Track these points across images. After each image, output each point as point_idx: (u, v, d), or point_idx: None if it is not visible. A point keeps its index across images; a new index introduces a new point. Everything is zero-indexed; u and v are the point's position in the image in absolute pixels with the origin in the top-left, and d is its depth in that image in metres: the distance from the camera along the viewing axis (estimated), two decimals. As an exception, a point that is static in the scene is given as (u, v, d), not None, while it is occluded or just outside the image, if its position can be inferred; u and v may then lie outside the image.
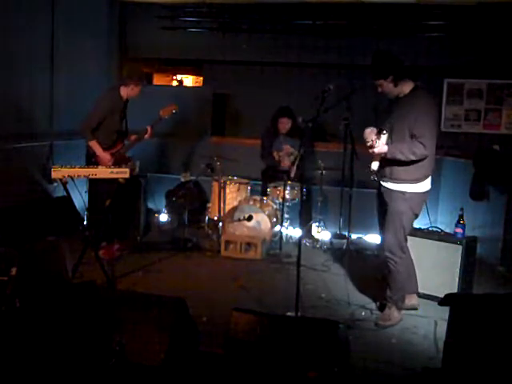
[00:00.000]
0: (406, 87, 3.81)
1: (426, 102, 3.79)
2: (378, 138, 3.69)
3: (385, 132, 3.66)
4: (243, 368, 2.81)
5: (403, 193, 3.82)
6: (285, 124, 6.23)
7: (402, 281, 3.97)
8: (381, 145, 3.72)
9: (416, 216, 3.97)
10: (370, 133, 3.85)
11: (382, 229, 4.04)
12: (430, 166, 3.83)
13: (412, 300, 4.15)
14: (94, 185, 5.12)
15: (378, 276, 4.46)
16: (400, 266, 3.92)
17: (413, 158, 3.68)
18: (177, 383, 2.81)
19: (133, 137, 5.27)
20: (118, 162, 5.06)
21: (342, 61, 7.31)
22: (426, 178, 3.85)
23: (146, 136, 5.24)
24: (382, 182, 3.97)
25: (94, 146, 5.01)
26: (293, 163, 6.15)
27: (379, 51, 3.99)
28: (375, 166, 3.87)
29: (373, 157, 3.87)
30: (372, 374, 3.27)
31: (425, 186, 3.87)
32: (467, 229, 4.44)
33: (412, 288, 4.10)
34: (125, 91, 5.17)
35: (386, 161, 3.81)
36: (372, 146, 3.73)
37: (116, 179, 4.35)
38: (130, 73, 5.27)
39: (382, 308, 4.16)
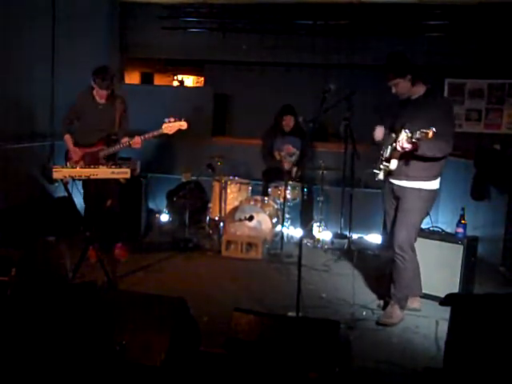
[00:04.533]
0: (420, 89, 3.84)
1: (445, 102, 3.90)
2: (399, 136, 3.64)
3: (407, 130, 3.57)
4: (244, 368, 2.81)
5: (419, 190, 3.84)
6: (289, 121, 6.24)
7: (408, 279, 3.98)
8: (404, 142, 3.62)
9: (427, 214, 4.00)
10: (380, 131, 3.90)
11: (391, 227, 4.03)
12: (443, 163, 3.86)
13: (415, 303, 4.15)
14: (95, 185, 5.07)
15: (386, 271, 4.41)
16: (408, 263, 3.93)
17: (439, 155, 3.71)
18: (178, 383, 2.81)
19: (119, 144, 4.83)
20: (89, 162, 4.76)
21: (341, 61, 7.32)
22: (440, 175, 3.89)
23: (135, 146, 4.80)
24: (394, 181, 3.96)
25: (67, 139, 4.92)
26: (294, 164, 6.17)
27: (394, 52, 3.98)
28: (394, 165, 3.80)
29: (391, 156, 3.81)
30: (373, 374, 3.26)
31: (437, 183, 3.91)
32: (468, 229, 4.43)
33: (416, 290, 4.10)
34: (95, 92, 4.83)
35: (407, 159, 3.77)
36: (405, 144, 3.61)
37: (117, 180, 4.35)
38: (92, 72, 4.77)
39: (384, 306, 4.16)
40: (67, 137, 4.93)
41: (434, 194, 3.92)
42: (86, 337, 2.72)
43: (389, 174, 3.91)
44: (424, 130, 3.45)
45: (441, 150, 3.69)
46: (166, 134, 4.81)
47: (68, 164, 4.78)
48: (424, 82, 3.86)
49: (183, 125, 4.78)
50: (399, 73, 3.79)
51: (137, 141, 4.77)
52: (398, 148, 3.65)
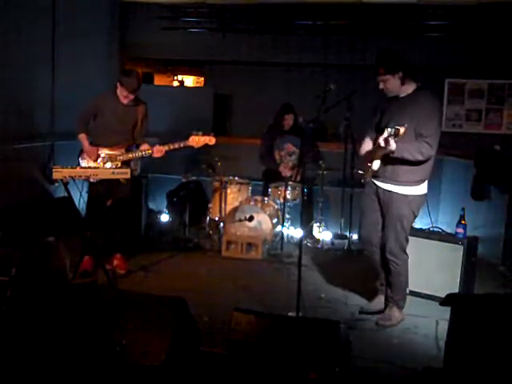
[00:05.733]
0: (410, 87, 3.77)
1: (432, 102, 3.76)
2: (381, 134, 3.61)
3: (389, 129, 3.50)
4: (244, 368, 2.81)
5: (406, 196, 3.78)
6: (289, 120, 6.24)
7: (403, 281, 3.97)
8: (381, 140, 3.59)
9: (415, 217, 3.95)
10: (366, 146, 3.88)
11: (382, 228, 3.99)
12: (431, 167, 3.80)
13: None
14: (95, 185, 5.05)
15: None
16: (400, 267, 3.91)
17: (420, 158, 3.63)
18: (178, 383, 2.81)
19: (140, 152, 4.76)
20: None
21: (341, 61, 7.32)
22: (426, 179, 3.83)
23: (156, 155, 4.68)
24: (379, 184, 3.88)
25: (82, 138, 4.73)
26: (293, 167, 6.15)
27: (388, 48, 3.92)
28: (377, 165, 3.75)
29: (373, 156, 3.77)
30: (373, 374, 3.26)
31: (424, 188, 3.85)
32: (468, 229, 4.43)
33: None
34: (118, 92, 4.69)
35: (389, 161, 3.71)
36: (381, 141, 3.59)
37: (117, 180, 4.34)
38: (121, 72, 4.82)
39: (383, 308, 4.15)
40: (83, 136, 4.73)
41: (420, 199, 3.85)
42: (86, 337, 2.72)
43: (374, 175, 3.86)
44: (397, 127, 3.43)
45: (422, 153, 3.61)
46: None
47: (82, 164, 4.68)
48: (415, 81, 3.79)
49: (212, 140, 4.65)
50: (390, 69, 3.70)
51: (159, 149, 4.62)
52: (382, 144, 3.58)
